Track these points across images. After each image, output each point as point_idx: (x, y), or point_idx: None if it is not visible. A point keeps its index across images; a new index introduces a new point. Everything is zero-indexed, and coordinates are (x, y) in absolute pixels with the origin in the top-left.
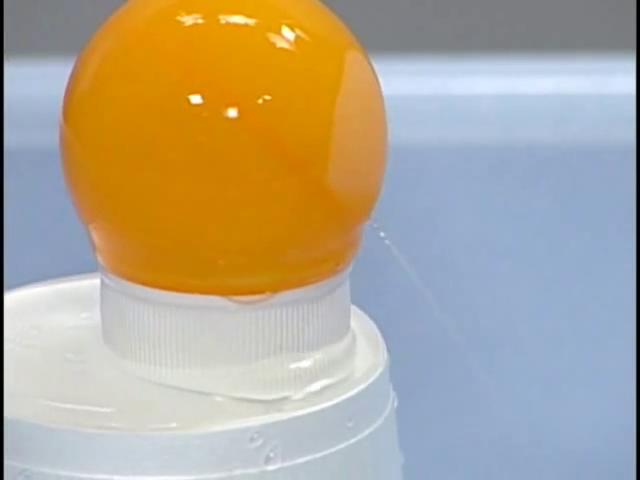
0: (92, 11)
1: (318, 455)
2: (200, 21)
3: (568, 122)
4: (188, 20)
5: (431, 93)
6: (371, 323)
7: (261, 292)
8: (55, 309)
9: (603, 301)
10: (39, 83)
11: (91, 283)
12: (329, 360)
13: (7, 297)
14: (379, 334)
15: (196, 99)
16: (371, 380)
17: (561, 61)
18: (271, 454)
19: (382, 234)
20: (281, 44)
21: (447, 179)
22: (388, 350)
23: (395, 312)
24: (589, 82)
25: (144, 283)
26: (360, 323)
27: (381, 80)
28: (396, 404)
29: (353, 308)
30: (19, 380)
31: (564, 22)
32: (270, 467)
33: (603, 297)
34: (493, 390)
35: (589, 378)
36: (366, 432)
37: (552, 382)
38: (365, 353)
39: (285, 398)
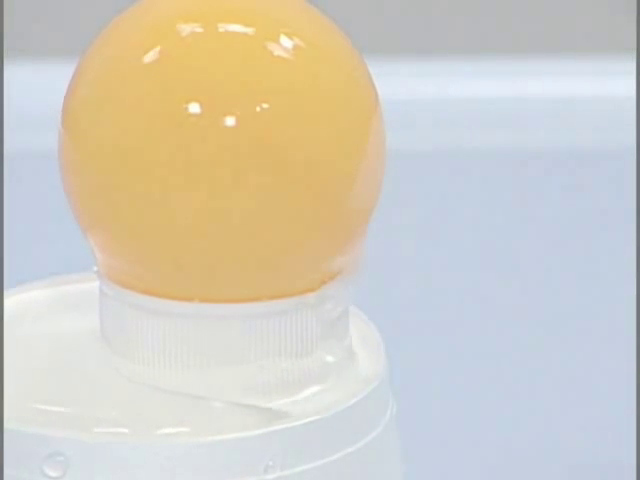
0: (92, 12)
1: (317, 463)
2: (199, 30)
3: (568, 124)
4: (187, 29)
5: (431, 96)
6: (372, 328)
7: (259, 299)
8: (55, 312)
9: (604, 302)
10: (39, 85)
11: (91, 285)
12: (329, 368)
13: (7, 299)
14: (380, 340)
15: (194, 108)
16: (370, 388)
17: (561, 63)
18: (270, 462)
19: None
20: (279, 53)
21: (447, 182)
22: (387, 356)
23: (396, 317)
24: (589, 84)
25: (141, 291)
26: (360, 328)
27: (381, 83)
28: (395, 411)
29: (356, 312)
30: (18, 386)
31: (564, 24)
32: (269, 476)
33: (604, 298)
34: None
35: (589, 381)
36: (366, 440)
37: (552, 385)
38: (365, 360)
39: (284, 405)
